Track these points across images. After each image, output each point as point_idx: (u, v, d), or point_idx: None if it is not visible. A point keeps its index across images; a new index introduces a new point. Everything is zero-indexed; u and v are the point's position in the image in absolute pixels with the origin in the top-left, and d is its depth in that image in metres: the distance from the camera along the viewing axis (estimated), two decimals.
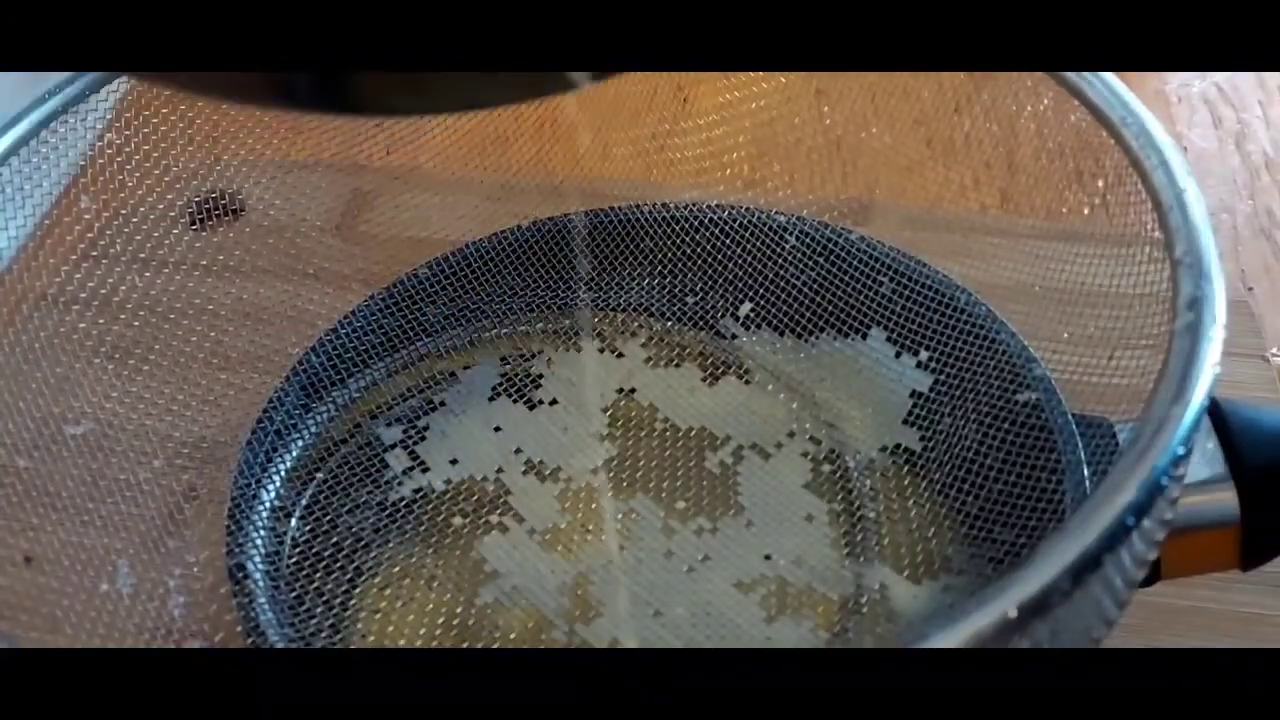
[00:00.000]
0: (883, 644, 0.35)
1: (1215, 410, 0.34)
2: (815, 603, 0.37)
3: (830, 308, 0.44)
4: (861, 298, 0.44)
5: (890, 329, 0.43)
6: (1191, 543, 0.33)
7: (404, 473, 0.41)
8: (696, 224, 0.46)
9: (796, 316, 0.44)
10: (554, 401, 0.43)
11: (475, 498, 0.40)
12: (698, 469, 0.40)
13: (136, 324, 0.43)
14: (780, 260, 0.45)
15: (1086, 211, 0.40)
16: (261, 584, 0.36)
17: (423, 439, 0.42)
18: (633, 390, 0.43)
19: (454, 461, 0.41)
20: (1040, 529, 0.36)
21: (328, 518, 0.39)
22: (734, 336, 0.44)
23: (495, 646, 0.36)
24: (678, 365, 0.44)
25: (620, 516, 0.39)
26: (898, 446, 0.41)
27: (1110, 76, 0.36)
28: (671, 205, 0.46)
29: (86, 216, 0.42)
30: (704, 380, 0.43)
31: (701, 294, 0.45)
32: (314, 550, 0.38)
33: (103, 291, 0.42)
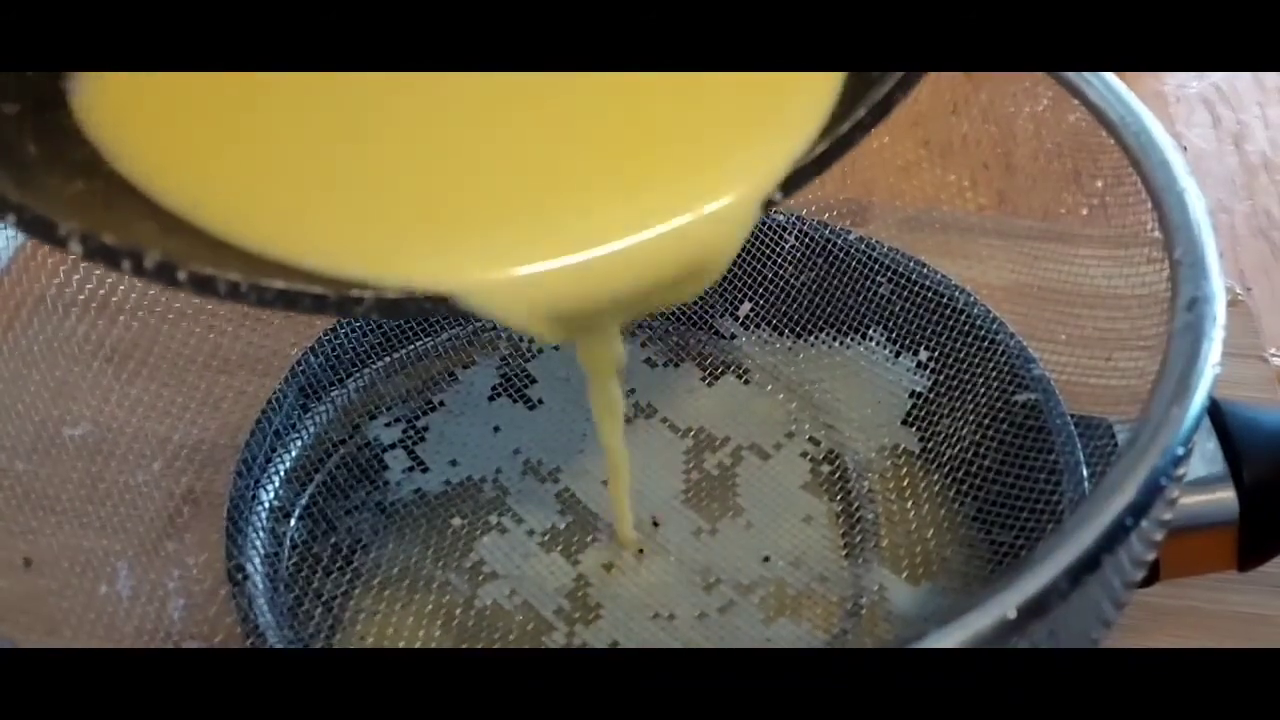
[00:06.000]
0: (882, 645, 0.35)
1: (1214, 411, 0.34)
2: (814, 604, 0.37)
3: (829, 308, 0.44)
4: (860, 298, 0.44)
5: (889, 329, 0.43)
6: (1190, 543, 0.33)
7: (403, 474, 0.41)
8: None
9: (795, 317, 0.44)
10: (553, 402, 0.43)
11: (474, 499, 0.40)
12: (696, 469, 0.40)
13: (135, 326, 0.43)
14: (779, 260, 0.45)
15: (1085, 212, 0.40)
16: (260, 586, 0.36)
17: (422, 440, 0.42)
18: (632, 390, 0.43)
19: (453, 462, 0.41)
20: (1039, 530, 0.36)
21: (326, 519, 0.39)
22: (733, 336, 0.44)
23: (494, 648, 0.36)
24: (677, 365, 0.44)
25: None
26: (896, 447, 0.41)
27: (1109, 76, 0.36)
28: None
29: None
30: (703, 380, 0.43)
31: (700, 294, 0.45)
32: (313, 552, 0.38)
33: (101, 294, 0.42)
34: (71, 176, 0.26)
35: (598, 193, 0.28)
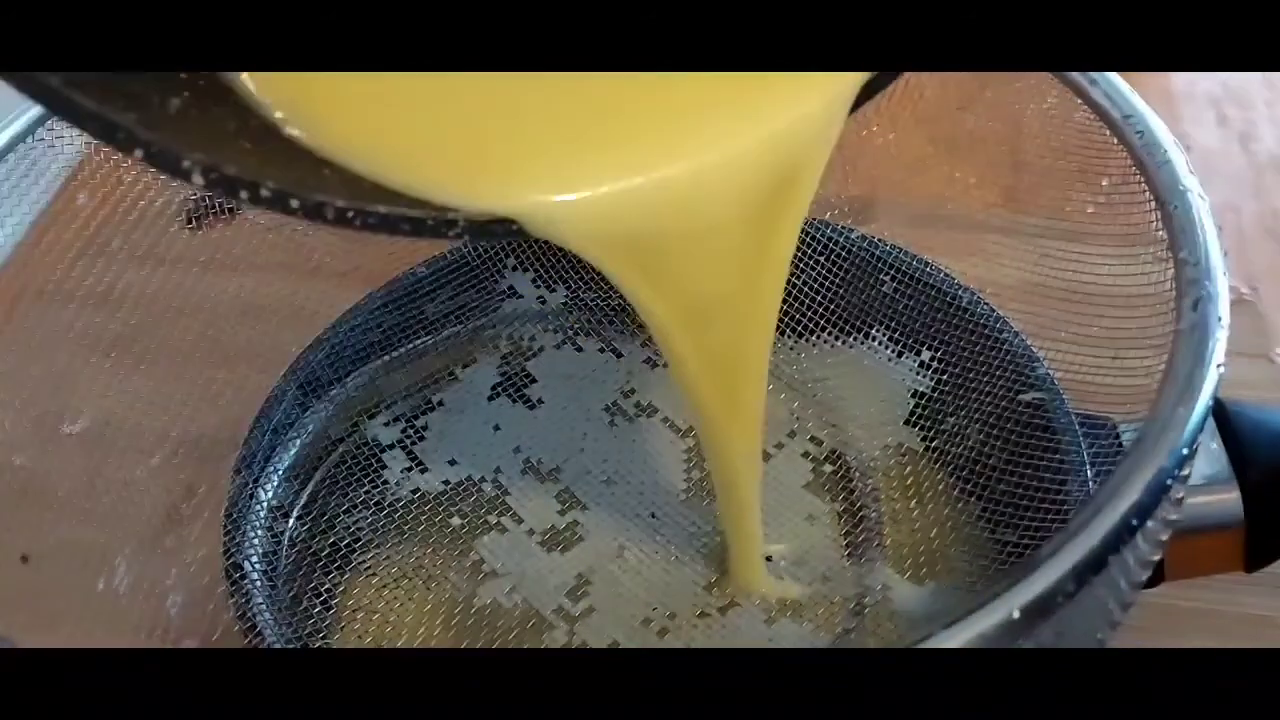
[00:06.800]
0: (886, 645, 0.35)
1: (1220, 411, 0.33)
2: (817, 604, 0.36)
3: (832, 307, 0.44)
4: (863, 297, 0.43)
5: (892, 328, 0.43)
6: (1196, 544, 0.33)
7: (402, 473, 0.40)
8: None
9: (797, 316, 0.44)
10: (553, 401, 0.42)
11: (474, 498, 0.40)
12: (697, 468, 0.40)
13: (134, 321, 0.43)
14: None
15: (1091, 210, 0.39)
16: (259, 583, 0.36)
17: (421, 439, 0.41)
18: (632, 390, 0.43)
19: (452, 461, 0.41)
20: (1044, 530, 0.35)
21: (325, 517, 0.39)
22: None
23: (494, 647, 0.36)
24: None
25: (619, 517, 0.38)
26: (900, 446, 0.40)
27: (1112, 76, 0.36)
28: None
29: (84, 214, 0.42)
30: None
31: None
32: (311, 550, 0.38)
33: (100, 288, 0.42)
34: (168, 92, 0.26)
35: (667, 123, 0.28)
